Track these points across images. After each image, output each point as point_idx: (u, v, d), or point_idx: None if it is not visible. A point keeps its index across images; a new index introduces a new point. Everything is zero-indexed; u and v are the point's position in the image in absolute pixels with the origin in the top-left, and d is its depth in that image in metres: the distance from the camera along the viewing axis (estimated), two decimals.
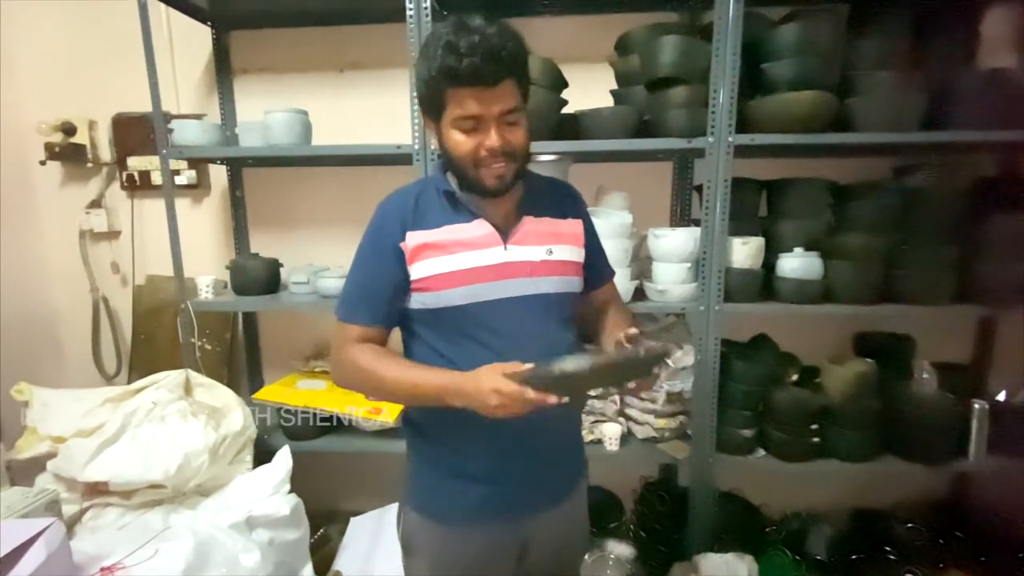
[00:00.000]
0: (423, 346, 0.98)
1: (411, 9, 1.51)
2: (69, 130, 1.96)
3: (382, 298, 0.96)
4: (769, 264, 1.65)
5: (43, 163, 1.99)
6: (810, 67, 1.46)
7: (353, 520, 1.77)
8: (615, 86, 1.72)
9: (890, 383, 1.68)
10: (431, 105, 0.89)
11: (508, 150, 0.88)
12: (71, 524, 1.35)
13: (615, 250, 1.57)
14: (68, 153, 1.97)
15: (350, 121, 1.90)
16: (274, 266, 1.86)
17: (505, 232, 0.95)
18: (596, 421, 1.77)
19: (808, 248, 1.61)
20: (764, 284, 1.64)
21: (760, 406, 1.69)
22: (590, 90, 1.71)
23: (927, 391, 1.68)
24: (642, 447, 1.75)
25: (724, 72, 1.46)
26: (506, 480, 0.98)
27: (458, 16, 0.85)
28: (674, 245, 1.61)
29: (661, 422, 1.73)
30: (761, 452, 1.71)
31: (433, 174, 1.02)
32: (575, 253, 1.02)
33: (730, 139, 1.50)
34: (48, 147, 1.97)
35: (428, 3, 1.50)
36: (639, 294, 1.70)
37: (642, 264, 1.76)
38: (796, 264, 1.60)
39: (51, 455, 1.43)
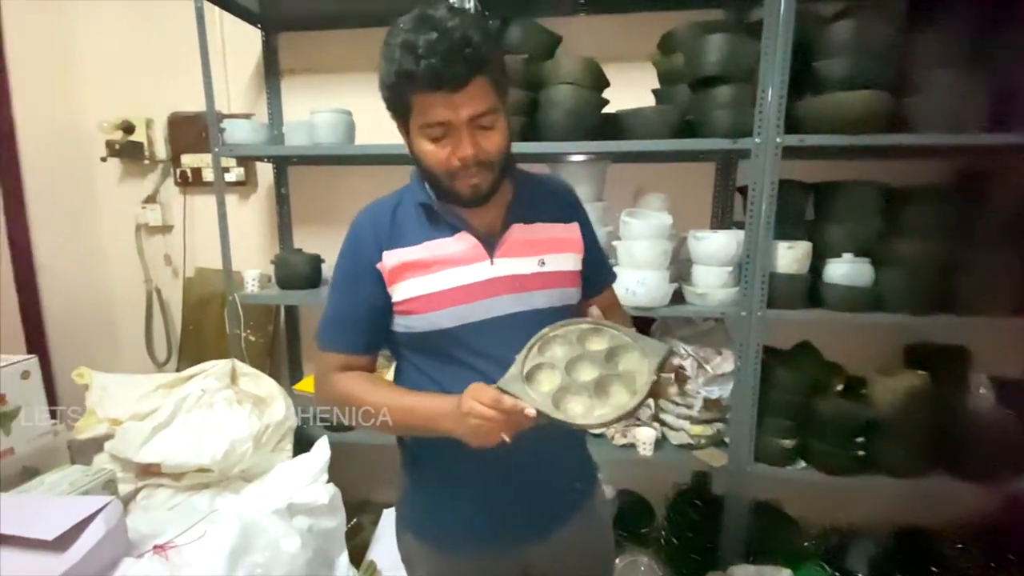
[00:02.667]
0: (414, 370, 0.89)
1: None
2: (128, 129, 2.07)
3: (362, 325, 0.87)
4: (816, 269, 1.59)
5: (104, 160, 2.11)
6: (865, 65, 1.40)
7: (387, 512, 1.80)
8: (657, 85, 1.70)
9: (944, 397, 1.60)
10: (396, 110, 0.81)
11: (483, 159, 0.78)
12: (125, 502, 1.42)
13: (654, 252, 1.55)
14: (127, 150, 2.08)
15: (392, 121, 1.92)
16: (316, 261, 1.90)
17: (491, 244, 0.85)
18: (629, 425, 1.75)
19: (858, 254, 1.55)
20: (810, 290, 1.59)
21: (802, 416, 1.63)
22: (632, 89, 1.69)
23: (983, 406, 1.61)
24: (676, 453, 1.72)
25: (774, 71, 1.42)
26: (500, 503, 0.90)
27: (421, 8, 0.74)
28: (716, 248, 1.58)
29: (697, 429, 1.70)
30: (801, 464, 1.66)
31: (410, 183, 0.91)
32: (572, 261, 0.91)
33: (778, 140, 1.45)
34: (109, 145, 2.08)
35: (472, 4, 1.52)
36: (678, 297, 1.67)
37: (681, 267, 1.73)
38: (845, 270, 1.54)
39: (108, 436, 1.51)
